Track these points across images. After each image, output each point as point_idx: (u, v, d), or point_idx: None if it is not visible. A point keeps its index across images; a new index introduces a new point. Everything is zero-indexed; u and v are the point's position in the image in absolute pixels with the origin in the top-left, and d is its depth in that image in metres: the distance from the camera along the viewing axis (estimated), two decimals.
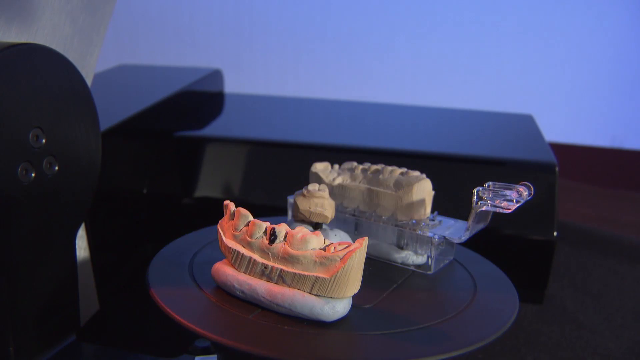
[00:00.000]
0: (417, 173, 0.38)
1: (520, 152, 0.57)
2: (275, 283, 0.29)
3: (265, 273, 0.29)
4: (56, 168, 0.35)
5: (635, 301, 0.58)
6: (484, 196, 0.33)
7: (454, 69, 1.13)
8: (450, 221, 0.39)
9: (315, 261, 0.28)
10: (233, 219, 0.31)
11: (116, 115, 0.55)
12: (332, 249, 0.28)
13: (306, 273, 0.28)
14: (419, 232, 0.37)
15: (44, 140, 0.34)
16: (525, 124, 0.67)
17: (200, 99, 0.74)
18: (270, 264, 0.29)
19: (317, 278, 0.28)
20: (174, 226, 0.42)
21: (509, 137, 0.64)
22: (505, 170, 0.53)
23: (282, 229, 0.29)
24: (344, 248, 0.28)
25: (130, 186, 0.56)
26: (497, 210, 0.33)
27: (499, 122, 0.69)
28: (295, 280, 0.29)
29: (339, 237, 0.35)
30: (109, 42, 1.17)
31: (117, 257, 0.54)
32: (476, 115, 0.72)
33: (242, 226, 0.31)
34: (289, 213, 0.40)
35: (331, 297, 0.28)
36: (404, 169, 0.39)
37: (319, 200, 0.35)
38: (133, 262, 0.55)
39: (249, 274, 0.30)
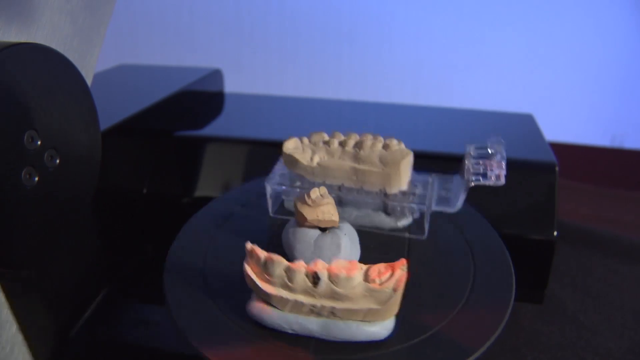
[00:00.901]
0: (395, 142, 0.39)
1: (519, 151, 0.57)
2: (326, 317, 0.29)
3: (315, 311, 0.29)
4: (57, 164, 0.35)
5: (635, 301, 0.58)
6: (474, 171, 0.35)
7: (454, 67, 1.13)
8: (429, 178, 0.40)
9: (365, 295, 0.29)
10: (263, 266, 0.30)
11: (116, 115, 0.55)
12: (377, 281, 0.28)
13: (357, 307, 0.29)
14: (412, 205, 0.38)
15: (44, 142, 0.34)
16: (525, 124, 0.67)
17: (200, 99, 0.74)
18: (318, 303, 0.29)
19: (369, 309, 0.29)
20: (173, 226, 0.42)
21: (508, 136, 0.64)
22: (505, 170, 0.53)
23: (323, 270, 0.29)
24: (390, 277, 0.29)
25: (130, 186, 0.56)
26: (488, 184, 0.35)
27: (498, 121, 0.69)
28: (347, 314, 0.29)
29: (348, 236, 0.35)
30: (109, 42, 1.17)
31: (117, 257, 0.54)
32: (476, 114, 0.72)
33: (277, 272, 0.29)
34: (269, 203, 0.40)
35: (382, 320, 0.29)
36: (380, 139, 0.39)
37: (325, 207, 0.34)
38: (132, 262, 0.55)
39: (296, 313, 0.30)
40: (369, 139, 0.38)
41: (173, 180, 0.57)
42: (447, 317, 0.31)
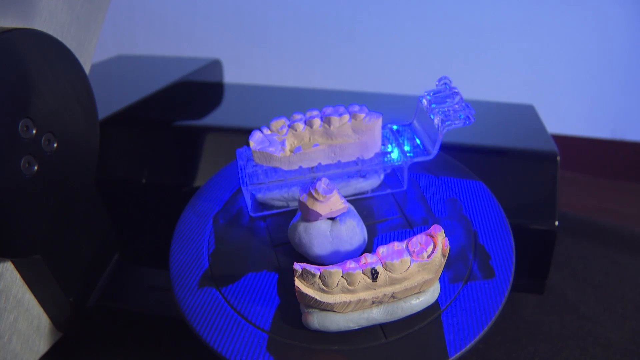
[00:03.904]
0: (357, 108, 0.39)
1: (521, 141, 0.56)
2: (387, 303, 0.30)
3: (376, 302, 0.30)
4: (55, 145, 0.35)
5: (636, 292, 0.58)
6: (443, 117, 0.36)
7: (455, 58, 1.12)
8: (405, 131, 0.41)
9: (419, 270, 0.30)
10: (319, 280, 0.30)
11: (115, 105, 0.54)
12: (425, 255, 0.30)
13: (414, 283, 0.30)
14: (394, 163, 0.38)
15: (43, 130, 0.34)
16: (527, 114, 0.67)
17: (200, 89, 0.73)
18: (379, 294, 0.30)
19: (424, 281, 0.30)
20: (173, 216, 0.42)
21: (510, 126, 0.63)
22: (506, 160, 0.52)
23: (377, 263, 0.29)
24: (433, 246, 0.30)
25: (129, 176, 0.55)
26: (460, 126, 0.36)
27: (499, 111, 0.69)
28: (405, 293, 0.30)
29: (353, 214, 0.35)
30: (108, 32, 1.16)
31: (115, 248, 0.54)
32: (477, 105, 0.71)
33: (335, 281, 0.29)
34: (249, 204, 0.39)
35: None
36: (343, 110, 0.39)
37: (334, 198, 0.34)
38: (131, 253, 0.55)
39: (359, 310, 0.30)
40: (335, 114, 0.38)
41: (172, 170, 0.57)
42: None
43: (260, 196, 0.39)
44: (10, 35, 0.31)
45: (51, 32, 0.37)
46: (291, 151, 0.38)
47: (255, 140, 0.38)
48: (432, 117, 0.37)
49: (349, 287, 0.29)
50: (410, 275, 0.30)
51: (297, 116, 0.38)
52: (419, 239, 0.30)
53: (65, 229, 0.37)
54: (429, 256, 0.30)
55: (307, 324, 0.31)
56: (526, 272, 0.51)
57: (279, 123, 0.38)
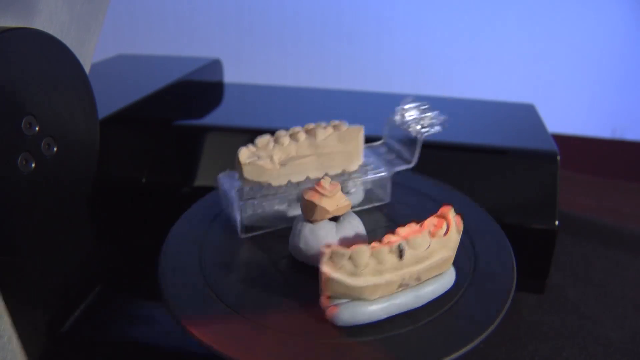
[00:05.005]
0: (337, 122, 0.40)
1: (521, 140, 0.56)
2: (413, 286, 0.30)
3: (403, 284, 0.30)
4: (55, 151, 0.35)
5: (636, 291, 0.58)
6: (420, 126, 0.39)
7: (455, 57, 1.12)
8: (378, 148, 0.43)
9: (439, 247, 0.30)
10: (348, 261, 0.29)
11: (115, 105, 0.54)
12: (440, 232, 0.30)
13: (436, 261, 0.30)
14: (379, 175, 0.39)
15: (42, 128, 0.34)
16: (527, 113, 0.67)
17: (200, 89, 0.73)
18: (406, 274, 0.30)
19: (443, 260, 0.31)
20: (172, 215, 0.42)
21: (510, 126, 0.63)
22: (506, 159, 0.52)
23: (401, 241, 0.29)
24: (447, 225, 0.31)
25: (129, 175, 0.55)
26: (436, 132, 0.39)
27: (500, 111, 0.69)
28: (428, 273, 0.31)
29: (352, 222, 0.35)
30: (108, 32, 1.16)
31: (115, 247, 0.54)
32: (477, 104, 0.71)
33: (365, 260, 0.29)
34: (239, 226, 0.38)
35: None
36: (324, 124, 0.39)
37: (339, 193, 0.34)
38: (131, 252, 0.55)
39: (387, 295, 0.30)
40: (320, 126, 0.39)
41: (172, 170, 0.57)
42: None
43: (247, 217, 0.38)
44: (10, 34, 0.31)
45: (51, 32, 0.37)
46: (280, 164, 0.38)
47: (244, 156, 0.37)
48: (409, 128, 0.39)
49: (378, 266, 0.29)
50: (432, 253, 0.30)
51: (282, 132, 0.39)
52: (431, 220, 0.31)
53: (55, 238, 0.36)
54: (445, 234, 0.30)
55: (335, 317, 0.29)
56: (526, 271, 0.51)
57: (264, 140, 0.38)
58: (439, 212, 0.31)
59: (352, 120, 0.42)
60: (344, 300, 0.29)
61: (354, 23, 1.14)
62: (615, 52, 1.08)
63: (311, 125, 0.39)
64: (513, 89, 1.10)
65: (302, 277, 0.34)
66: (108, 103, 0.54)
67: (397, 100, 0.75)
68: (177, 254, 0.36)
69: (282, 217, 0.39)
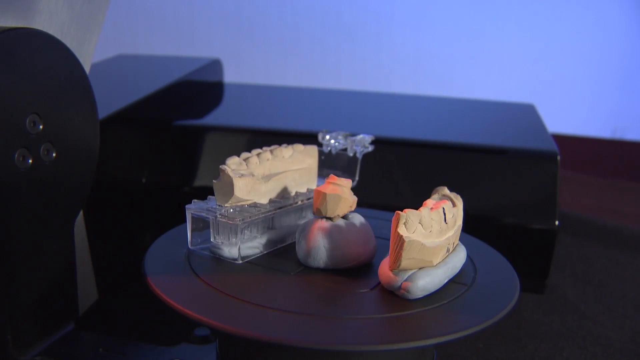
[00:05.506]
0: (294, 145, 0.40)
1: (521, 140, 0.56)
2: (449, 253, 0.32)
3: (449, 248, 0.32)
4: (54, 155, 0.35)
5: (636, 291, 0.58)
6: (356, 149, 0.42)
7: (456, 57, 1.12)
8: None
9: (459, 214, 0.33)
10: (413, 228, 0.29)
11: (115, 105, 0.54)
12: (451, 206, 0.32)
13: (458, 227, 0.33)
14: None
15: (41, 127, 0.34)
16: (527, 113, 0.67)
17: (200, 89, 0.73)
18: (450, 240, 0.31)
19: (459, 226, 0.33)
20: (172, 215, 0.42)
21: (510, 125, 0.63)
22: (507, 159, 0.52)
23: (439, 205, 0.31)
24: (451, 202, 0.33)
25: (129, 175, 0.55)
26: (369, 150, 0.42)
27: (500, 110, 0.69)
28: (455, 238, 0.33)
29: (361, 219, 0.35)
30: (108, 32, 1.16)
31: (116, 247, 0.54)
32: (477, 104, 0.71)
33: (429, 223, 0.30)
34: (239, 252, 0.34)
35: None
36: (285, 146, 0.39)
37: (349, 188, 0.34)
38: (131, 252, 0.55)
39: (442, 258, 0.31)
40: (278, 147, 0.39)
41: (172, 170, 0.57)
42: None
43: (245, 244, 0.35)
44: (10, 34, 0.31)
45: (51, 32, 0.37)
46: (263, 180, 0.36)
47: (234, 172, 0.34)
48: (347, 151, 0.42)
49: (437, 227, 0.30)
50: (454, 222, 0.32)
51: (246, 154, 0.37)
52: (435, 202, 0.32)
53: (39, 246, 0.35)
54: (454, 206, 0.32)
55: (410, 290, 0.29)
56: (526, 271, 0.51)
57: (235, 160, 0.35)
58: (435, 192, 0.33)
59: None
60: (409, 273, 0.29)
61: (354, 23, 1.14)
62: (615, 52, 1.08)
63: (287, 148, 0.40)
64: (513, 89, 1.10)
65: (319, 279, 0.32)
66: (108, 103, 0.54)
67: (397, 100, 0.75)
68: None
69: (274, 239, 0.36)
